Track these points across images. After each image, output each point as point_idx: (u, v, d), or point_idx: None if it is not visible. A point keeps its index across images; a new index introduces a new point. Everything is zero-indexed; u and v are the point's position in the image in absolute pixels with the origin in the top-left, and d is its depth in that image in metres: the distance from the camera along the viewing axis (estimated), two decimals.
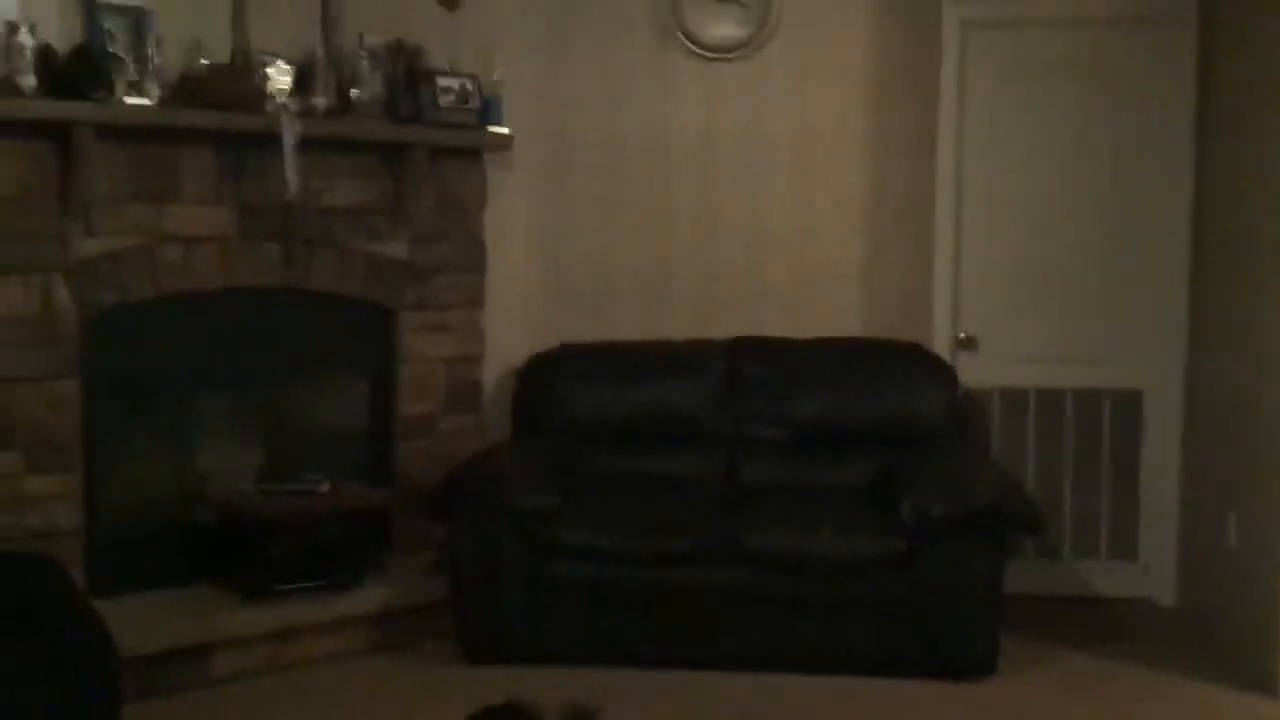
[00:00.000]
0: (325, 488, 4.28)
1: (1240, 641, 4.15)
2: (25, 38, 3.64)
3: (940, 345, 4.87)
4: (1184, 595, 4.79)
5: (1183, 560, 4.80)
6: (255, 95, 4.11)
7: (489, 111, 4.71)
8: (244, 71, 4.13)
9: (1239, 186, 4.33)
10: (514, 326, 4.91)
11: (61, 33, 3.82)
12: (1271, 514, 3.90)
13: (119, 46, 3.91)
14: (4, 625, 2.69)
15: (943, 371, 4.74)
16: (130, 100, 3.87)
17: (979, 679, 4.02)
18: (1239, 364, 4.29)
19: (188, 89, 4.02)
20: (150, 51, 3.93)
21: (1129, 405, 4.85)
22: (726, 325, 4.90)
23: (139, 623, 3.75)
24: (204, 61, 4.08)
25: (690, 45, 4.95)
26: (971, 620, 4.05)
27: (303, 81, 4.24)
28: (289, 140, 4.14)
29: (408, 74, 4.54)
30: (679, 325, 4.93)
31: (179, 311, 4.17)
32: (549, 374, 4.82)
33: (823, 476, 4.59)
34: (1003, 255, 4.88)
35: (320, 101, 4.28)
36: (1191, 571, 4.73)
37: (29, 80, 3.67)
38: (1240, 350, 4.28)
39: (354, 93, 4.38)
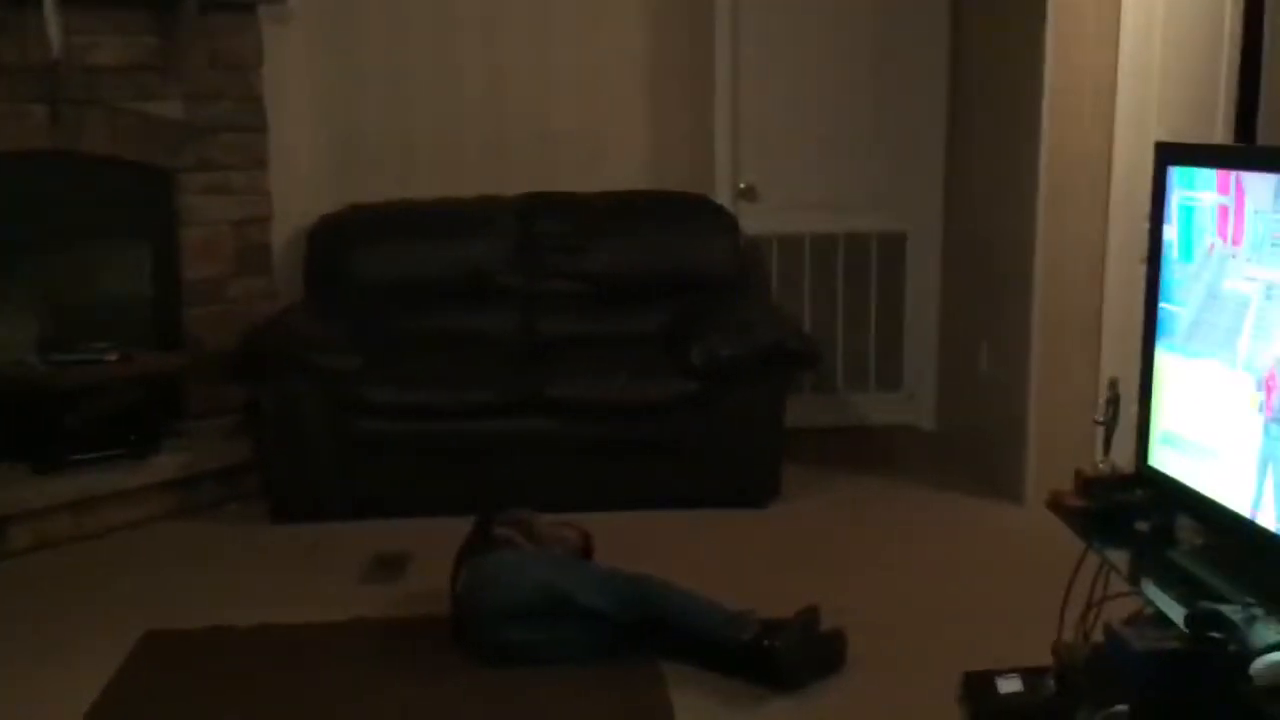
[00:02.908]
0: (114, 356, 4.19)
1: (992, 459, 4.61)
2: None
3: (722, 196, 5.08)
4: (942, 420, 5.27)
5: (941, 388, 5.26)
6: None
7: None
8: None
9: (989, 47, 4.65)
10: (302, 187, 4.84)
11: None
12: (1018, 341, 4.32)
13: None
14: None
15: (726, 222, 4.95)
16: None
17: (766, 505, 4.35)
18: (988, 209, 4.66)
19: None
20: None
21: (894, 247, 5.21)
22: (517, 182, 4.96)
23: None
24: None
25: None
26: (758, 452, 4.35)
27: None
28: None
29: None
30: (470, 183, 4.94)
31: None
32: (340, 235, 4.79)
33: (617, 326, 4.77)
34: (779, 110, 5.09)
35: None
36: (949, 398, 5.20)
37: None
38: (989, 196, 4.65)
39: None
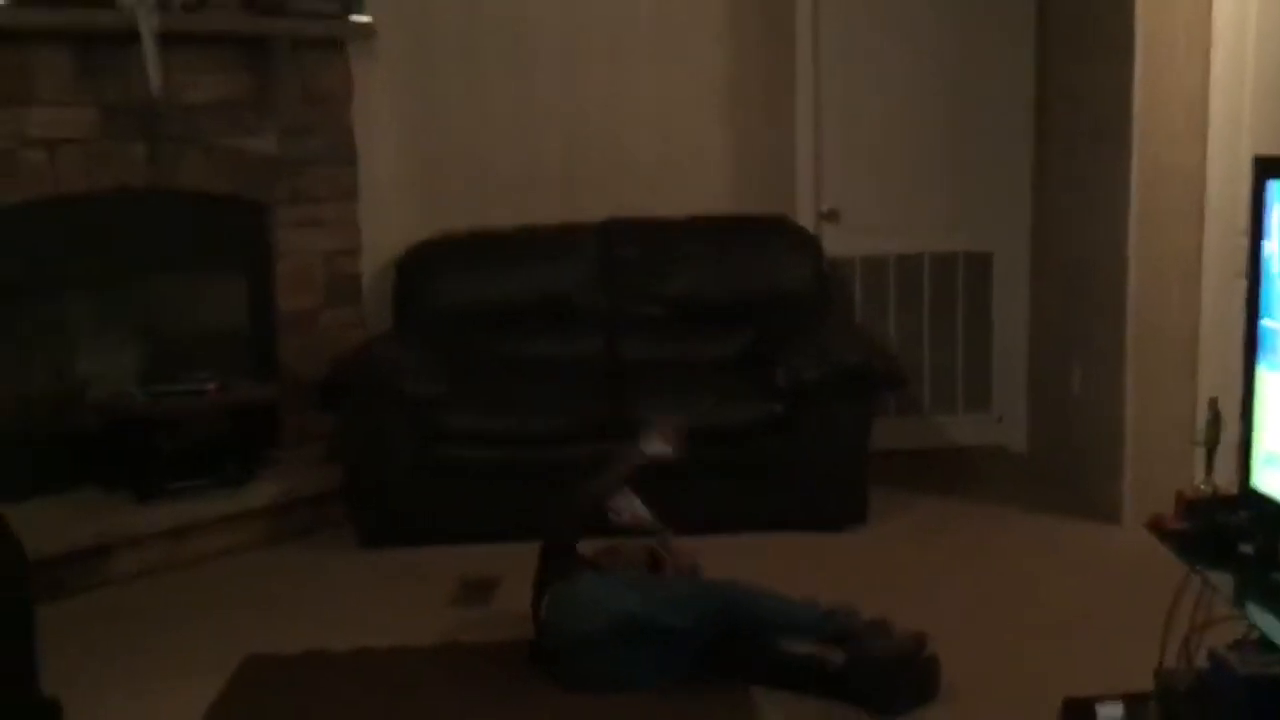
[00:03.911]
0: (213, 386, 4.30)
1: (1087, 480, 4.52)
2: None
3: (804, 219, 5.07)
4: (1033, 441, 5.18)
5: (1032, 409, 5.18)
6: None
7: (350, 1, 4.67)
8: None
9: (1076, 62, 4.59)
10: (389, 218, 4.93)
11: None
12: (1112, 360, 4.24)
13: None
14: None
15: (808, 243, 4.94)
16: None
17: (852, 528, 4.31)
18: (1079, 227, 4.59)
19: None
20: None
21: (980, 266, 5.16)
22: (596, 208, 4.99)
23: (33, 526, 3.71)
24: None
25: None
26: (843, 475, 4.32)
27: None
28: (148, 35, 4.05)
29: None
30: (551, 211, 5.00)
31: (46, 215, 4.09)
32: (427, 264, 4.87)
33: (700, 349, 4.77)
34: (861, 131, 5.08)
35: None
36: (1040, 419, 5.11)
37: None
38: (1079, 214, 4.58)
39: None
